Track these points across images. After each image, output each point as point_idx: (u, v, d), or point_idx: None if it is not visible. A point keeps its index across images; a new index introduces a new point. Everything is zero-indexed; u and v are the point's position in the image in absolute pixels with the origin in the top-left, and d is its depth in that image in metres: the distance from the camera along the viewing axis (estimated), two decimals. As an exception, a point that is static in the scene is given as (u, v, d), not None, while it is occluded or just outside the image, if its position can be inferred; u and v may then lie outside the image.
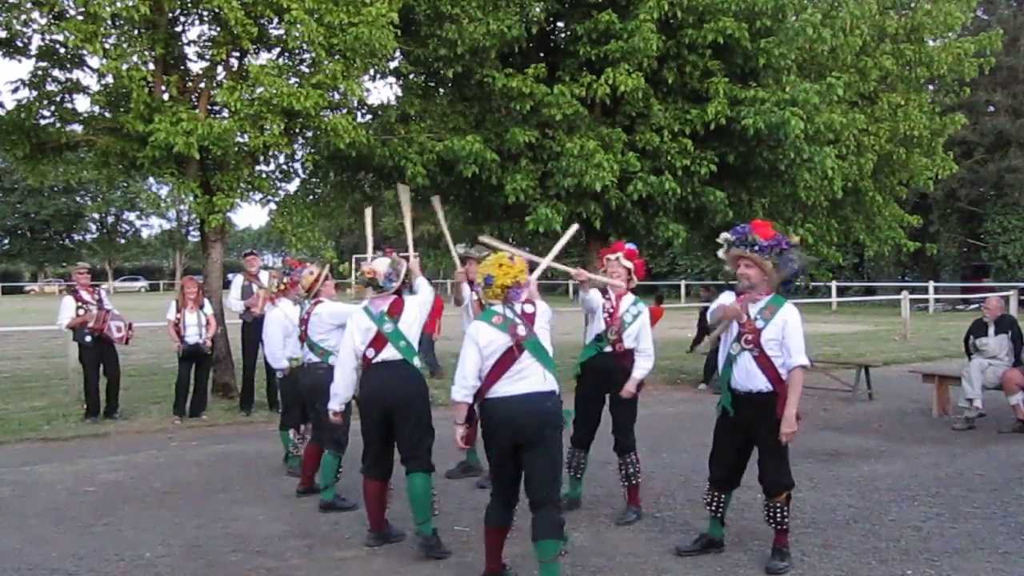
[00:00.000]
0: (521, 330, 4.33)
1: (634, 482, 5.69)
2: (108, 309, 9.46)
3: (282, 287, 7.08)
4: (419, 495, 4.92)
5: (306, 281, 6.24)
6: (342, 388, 5.16)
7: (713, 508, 4.97)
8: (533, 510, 4.24)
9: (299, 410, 6.72)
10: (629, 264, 5.69)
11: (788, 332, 4.58)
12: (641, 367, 5.65)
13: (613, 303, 5.66)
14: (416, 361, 5.04)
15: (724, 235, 4.86)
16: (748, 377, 4.65)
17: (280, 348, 6.89)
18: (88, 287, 9.54)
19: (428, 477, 4.95)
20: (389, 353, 4.99)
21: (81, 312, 9.29)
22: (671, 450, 7.71)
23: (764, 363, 4.60)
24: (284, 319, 6.88)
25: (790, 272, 4.68)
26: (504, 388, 4.27)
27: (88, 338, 9.28)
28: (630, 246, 5.83)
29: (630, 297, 5.74)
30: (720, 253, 4.88)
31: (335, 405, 5.20)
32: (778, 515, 4.72)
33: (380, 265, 5.11)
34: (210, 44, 10.39)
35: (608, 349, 5.63)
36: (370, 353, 5.03)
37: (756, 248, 4.63)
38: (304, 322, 6.23)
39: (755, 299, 4.68)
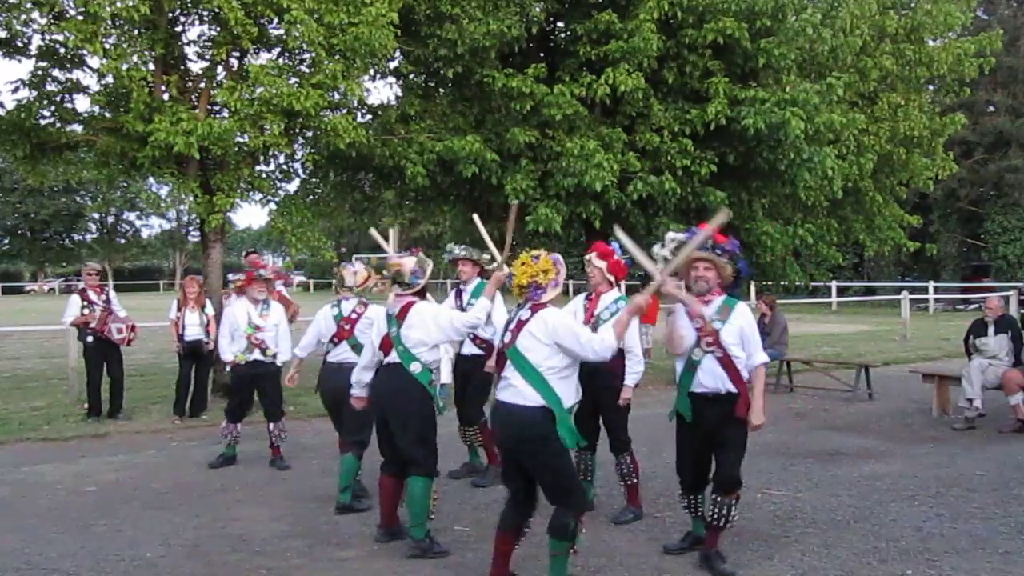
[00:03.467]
0: (507, 337, 4.25)
1: (631, 482, 5.67)
2: (112, 311, 9.49)
3: (239, 284, 7.17)
4: (413, 498, 4.92)
5: (358, 279, 6.30)
6: (359, 376, 5.23)
7: (692, 510, 5.02)
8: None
9: (244, 405, 7.40)
10: (601, 264, 5.52)
11: (747, 334, 4.66)
12: (632, 372, 5.49)
13: (591, 301, 5.57)
14: (414, 367, 4.92)
15: (671, 235, 4.86)
16: (714, 379, 4.65)
17: (230, 342, 7.15)
18: (96, 287, 9.58)
19: (427, 482, 4.92)
20: (392, 356, 5.00)
21: (86, 311, 9.34)
22: (671, 450, 7.66)
23: (727, 363, 4.63)
24: (233, 317, 7.16)
25: (744, 273, 4.80)
26: (499, 392, 4.26)
27: (90, 338, 9.33)
28: (614, 245, 5.59)
29: (612, 294, 5.56)
30: (664, 251, 4.79)
31: (355, 391, 5.25)
32: (729, 512, 4.72)
33: (408, 261, 5.06)
34: (210, 44, 10.39)
35: None
36: (379, 355, 5.07)
37: (717, 251, 4.67)
38: (352, 322, 6.23)
39: (706, 301, 4.70)
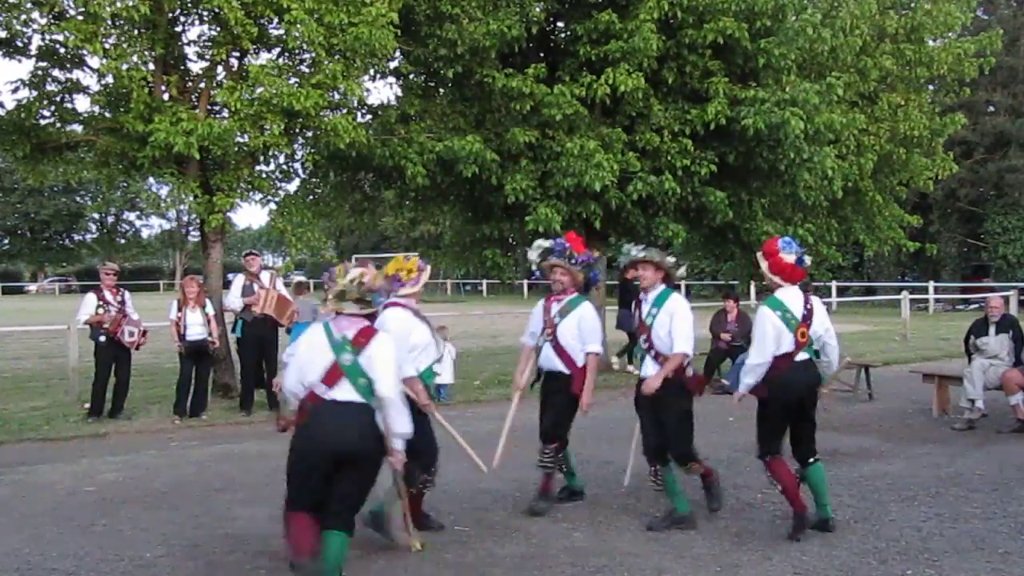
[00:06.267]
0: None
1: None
2: (127, 313, 9.47)
3: None
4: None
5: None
6: None
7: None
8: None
9: None
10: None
11: (583, 325, 5.61)
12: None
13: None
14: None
15: (539, 242, 5.88)
16: (550, 361, 5.70)
17: None
18: (112, 288, 9.55)
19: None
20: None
21: (100, 311, 9.31)
22: (671, 450, 7.69)
23: (559, 350, 5.63)
24: None
25: (593, 280, 5.86)
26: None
27: (102, 338, 9.30)
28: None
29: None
30: (532, 255, 5.81)
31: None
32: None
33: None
34: (210, 44, 10.39)
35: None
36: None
37: (573, 261, 5.65)
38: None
39: (559, 299, 5.71)
